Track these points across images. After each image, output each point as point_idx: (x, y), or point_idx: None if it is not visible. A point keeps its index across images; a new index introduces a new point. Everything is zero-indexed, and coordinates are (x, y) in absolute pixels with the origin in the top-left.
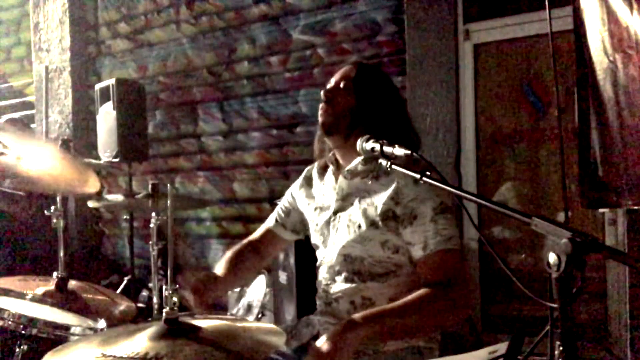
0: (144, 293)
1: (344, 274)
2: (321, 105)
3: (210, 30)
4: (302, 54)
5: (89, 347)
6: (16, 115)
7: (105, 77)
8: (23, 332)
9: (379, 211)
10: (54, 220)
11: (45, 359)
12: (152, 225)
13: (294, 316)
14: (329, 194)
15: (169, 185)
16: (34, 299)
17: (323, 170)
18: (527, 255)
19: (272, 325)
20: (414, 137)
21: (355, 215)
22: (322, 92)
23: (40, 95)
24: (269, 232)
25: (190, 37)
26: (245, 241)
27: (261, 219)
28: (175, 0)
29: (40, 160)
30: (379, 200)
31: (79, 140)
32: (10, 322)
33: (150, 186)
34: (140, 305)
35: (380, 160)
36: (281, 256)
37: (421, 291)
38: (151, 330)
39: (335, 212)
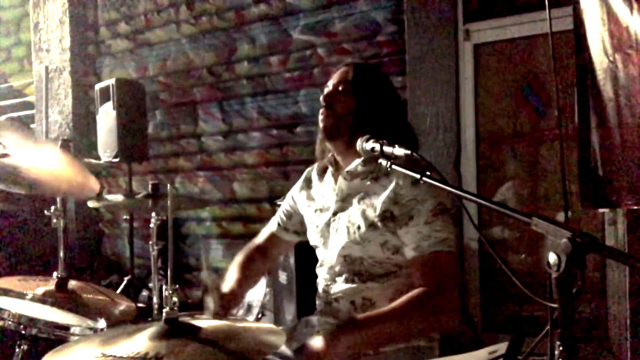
0: (144, 293)
1: (344, 275)
2: (321, 110)
3: (210, 30)
4: (302, 54)
5: (89, 347)
6: (15, 115)
7: (105, 77)
8: (23, 332)
9: (378, 212)
10: (54, 220)
11: (45, 359)
12: (152, 225)
13: (294, 316)
14: (329, 195)
15: (169, 185)
16: (34, 299)
17: (323, 172)
18: (527, 255)
19: (272, 325)
20: (412, 137)
21: (354, 216)
22: (321, 98)
23: (40, 95)
24: (272, 236)
25: (190, 37)
26: (251, 245)
27: (261, 219)
28: (175, 0)
29: (41, 162)
30: (378, 201)
31: (79, 140)
32: (10, 322)
33: (150, 186)
34: (140, 305)
35: (380, 160)
36: (281, 256)
37: (410, 295)
38: (151, 330)
39: (334, 213)
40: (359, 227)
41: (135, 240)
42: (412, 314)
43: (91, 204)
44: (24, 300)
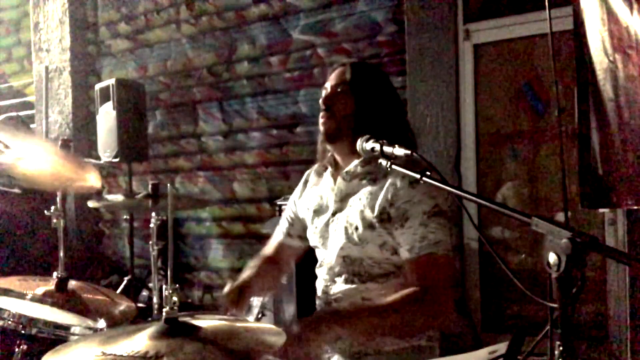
0: (144, 293)
1: (344, 275)
2: (321, 113)
3: (210, 30)
4: (302, 54)
5: (89, 346)
6: (14, 114)
7: (105, 77)
8: (23, 332)
9: (375, 213)
10: (54, 220)
11: (45, 359)
12: (152, 225)
13: (294, 316)
14: (328, 196)
15: (169, 185)
16: (34, 299)
17: (322, 171)
18: (527, 255)
19: (272, 326)
20: (411, 137)
21: (352, 217)
22: (320, 101)
23: (40, 95)
24: (279, 245)
25: (190, 37)
26: (261, 255)
27: (261, 219)
28: (175, 0)
29: (39, 157)
30: (375, 202)
31: (79, 140)
32: (10, 322)
33: (150, 186)
34: (140, 305)
35: (380, 161)
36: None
37: (402, 293)
38: (151, 329)
39: (333, 214)
40: (356, 228)
41: (135, 240)
42: (402, 311)
43: (91, 204)
44: (24, 300)
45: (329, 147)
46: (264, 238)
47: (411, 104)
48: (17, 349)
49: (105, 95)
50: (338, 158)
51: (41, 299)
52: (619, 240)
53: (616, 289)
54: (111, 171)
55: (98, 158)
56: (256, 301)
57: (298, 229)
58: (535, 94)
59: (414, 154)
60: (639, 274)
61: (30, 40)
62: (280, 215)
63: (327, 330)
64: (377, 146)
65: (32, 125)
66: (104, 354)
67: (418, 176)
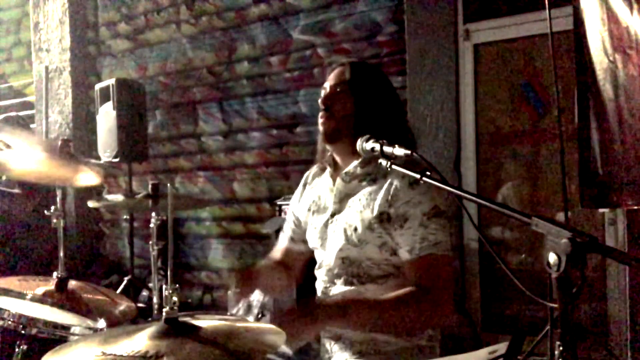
0: (144, 293)
1: (343, 277)
2: (320, 114)
3: (210, 30)
4: (302, 54)
5: (89, 346)
6: (13, 114)
7: (105, 77)
8: (23, 332)
9: (374, 214)
10: (54, 220)
11: (45, 359)
12: (152, 225)
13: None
14: (326, 196)
15: (169, 185)
16: (34, 299)
17: (321, 172)
18: (527, 255)
19: (272, 326)
20: (411, 137)
21: (352, 218)
22: (320, 101)
23: (40, 95)
24: (286, 250)
25: (190, 37)
26: (270, 257)
27: (261, 219)
28: (175, 0)
29: (37, 154)
30: (375, 203)
31: (79, 140)
32: (10, 322)
33: (150, 186)
34: (140, 305)
35: (380, 161)
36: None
37: (402, 291)
38: (151, 329)
39: (332, 215)
40: (355, 229)
41: (135, 240)
42: (401, 309)
43: (91, 204)
44: (24, 300)
45: (328, 147)
46: (264, 238)
47: (411, 104)
48: (17, 349)
49: (105, 95)
50: (337, 158)
51: (41, 299)
52: (619, 240)
53: (616, 289)
54: (111, 171)
55: (98, 158)
56: (256, 301)
57: (301, 233)
58: (535, 94)
59: (414, 154)
60: (639, 274)
61: (30, 40)
62: (280, 215)
63: (323, 318)
64: (377, 146)
65: (32, 125)
66: (104, 354)
67: (418, 176)
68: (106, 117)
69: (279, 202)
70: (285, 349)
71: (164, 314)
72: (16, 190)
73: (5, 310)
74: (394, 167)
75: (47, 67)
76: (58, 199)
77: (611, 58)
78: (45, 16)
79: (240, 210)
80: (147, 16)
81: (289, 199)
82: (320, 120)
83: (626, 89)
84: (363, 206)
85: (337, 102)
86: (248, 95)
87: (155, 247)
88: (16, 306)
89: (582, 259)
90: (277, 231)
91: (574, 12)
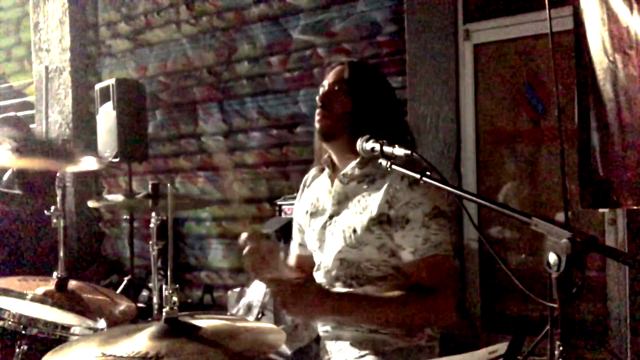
0: (144, 293)
1: (341, 279)
2: (317, 110)
3: (210, 30)
4: (302, 54)
5: (89, 347)
6: (12, 114)
7: (105, 77)
8: (23, 332)
9: (373, 215)
10: (54, 220)
11: (45, 359)
12: (152, 225)
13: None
14: (325, 198)
15: (169, 185)
16: (34, 299)
17: (319, 174)
18: (527, 255)
19: (272, 325)
20: (410, 137)
21: (350, 220)
22: (317, 98)
23: (40, 95)
24: (298, 257)
25: (190, 37)
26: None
27: (261, 219)
28: (175, 0)
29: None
30: (374, 204)
31: (79, 140)
32: (10, 322)
33: (150, 186)
34: (140, 305)
35: (380, 161)
36: (281, 256)
37: (409, 290)
38: (151, 329)
39: (331, 217)
40: (354, 231)
41: (135, 240)
42: (405, 306)
43: (91, 204)
44: (24, 300)
45: (324, 145)
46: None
47: (411, 104)
48: (17, 349)
49: (105, 95)
50: (335, 159)
51: (41, 299)
52: (619, 240)
53: (616, 289)
54: (111, 171)
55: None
56: (256, 301)
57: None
58: (535, 94)
59: (414, 154)
60: (639, 274)
61: (30, 40)
62: (280, 215)
63: (332, 309)
64: (377, 146)
65: (32, 125)
66: (104, 354)
67: (418, 176)
68: (106, 117)
69: (279, 202)
70: (285, 349)
71: (164, 314)
72: (17, 191)
73: (6, 310)
74: (394, 167)
75: (47, 67)
76: (58, 199)
77: (611, 58)
78: (45, 16)
79: (240, 210)
80: (147, 16)
81: (289, 199)
82: (316, 118)
83: (626, 89)
84: (362, 208)
85: (334, 100)
86: (248, 95)
87: (155, 247)
88: (16, 306)
89: (582, 259)
90: (277, 231)
91: (574, 12)
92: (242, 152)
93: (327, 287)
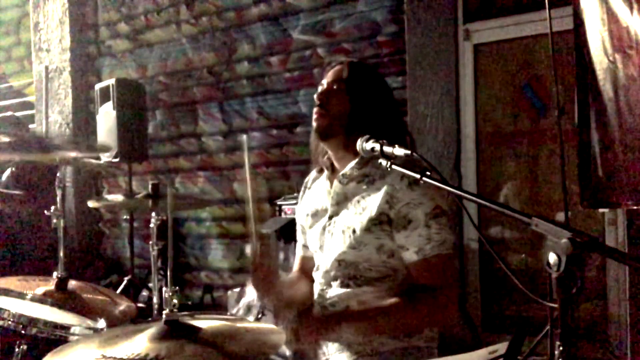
0: (144, 293)
1: (339, 279)
2: (315, 109)
3: (210, 30)
4: (302, 54)
5: (89, 347)
6: (8, 114)
7: (105, 77)
8: (23, 332)
9: (373, 215)
10: (54, 220)
11: (45, 359)
12: (152, 225)
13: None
14: (324, 199)
15: (168, 185)
16: (34, 299)
17: (319, 175)
18: (527, 255)
19: (272, 326)
20: (408, 137)
21: (350, 220)
22: (315, 96)
23: (40, 95)
24: (303, 259)
25: (190, 37)
26: (290, 274)
27: (261, 219)
28: (175, 0)
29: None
30: (373, 205)
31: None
32: (10, 322)
33: (150, 186)
34: (140, 305)
35: (380, 161)
36: (281, 257)
37: (414, 291)
38: (151, 331)
39: (330, 217)
40: (354, 231)
41: (135, 240)
42: (414, 311)
43: (91, 204)
44: (24, 300)
45: (322, 145)
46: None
47: (411, 104)
48: (17, 349)
49: (105, 95)
50: (334, 160)
51: (41, 299)
52: (619, 240)
53: (616, 289)
54: (111, 171)
55: (98, 158)
56: (256, 301)
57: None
58: (535, 94)
59: (414, 153)
60: (639, 274)
61: (30, 40)
62: (280, 215)
63: (334, 330)
64: (377, 146)
65: (32, 125)
66: (104, 356)
67: (417, 176)
68: (106, 117)
69: (279, 202)
70: (285, 349)
71: (163, 315)
72: (17, 192)
73: (5, 310)
74: (393, 167)
75: (47, 67)
76: (58, 199)
77: (611, 58)
78: (45, 16)
79: (240, 210)
80: (147, 16)
81: (289, 199)
82: (314, 117)
83: (626, 89)
84: (362, 208)
85: (332, 99)
86: (248, 95)
87: (155, 247)
88: (16, 306)
89: (582, 259)
90: (277, 231)
91: (574, 12)
92: (242, 152)
93: (325, 287)
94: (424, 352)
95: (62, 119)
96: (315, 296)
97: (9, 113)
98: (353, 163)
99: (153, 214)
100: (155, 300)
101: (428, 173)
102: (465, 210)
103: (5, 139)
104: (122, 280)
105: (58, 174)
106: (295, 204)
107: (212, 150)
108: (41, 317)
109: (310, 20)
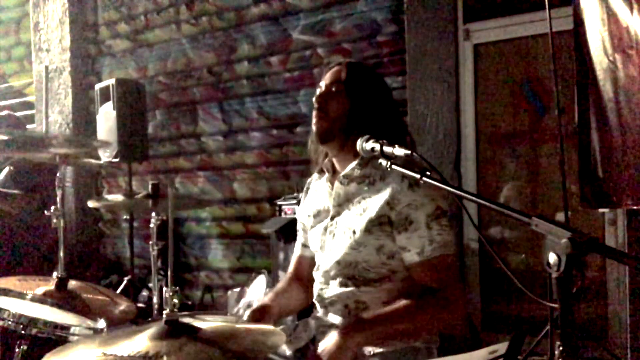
0: (144, 293)
1: (338, 279)
2: (314, 112)
3: (210, 30)
4: (302, 54)
5: (89, 347)
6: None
7: (105, 77)
8: (23, 332)
9: (374, 216)
10: (54, 220)
11: (45, 359)
12: (152, 225)
13: (294, 317)
14: (326, 200)
15: (169, 185)
16: (34, 299)
17: (320, 176)
18: (527, 255)
19: (272, 326)
20: (407, 137)
21: (350, 221)
22: (314, 99)
23: (40, 95)
24: (300, 258)
25: (190, 37)
26: (286, 275)
27: (261, 219)
28: (175, 0)
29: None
30: (374, 206)
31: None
32: (10, 322)
33: (150, 186)
34: (140, 305)
35: (380, 161)
36: (281, 256)
37: (419, 294)
38: (151, 330)
39: (332, 218)
40: (354, 232)
41: (135, 240)
42: (423, 313)
43: (91, 204)
44: (24, 300)
45: (322, 147)
46: (264, 238)
47: (411, 104)
48: (17, 349)
49: (105, 95)
50: (335, 161)
51: (41, 299)
52: (619, 240)
53: (616, 289)
54: (111, 171)
55: (98, 158)
56: (256, 301)
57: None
58: (535, 94)
59: (414, 154)
60: (639, 274)
61: (30, 40)
62: (280, 215)
63: (353, 345)
64: (377, 146)
65: (32, 125)
66: (104, 354)
67: (418, 177)
68: (106, 117)
69: (279, 202)
70: (285, 349)
71: (164, 314)
72: (16, 191)
73: (5, 310)
74: (393, 167)
75: (47, 67)
76: (58, 199)
77: (611, 58)
78: (45, 16)
79: (240, 210)
80: (147, 16)
81: (289, 199)
82: (313, 120)
83: (626, 89)
84: (362, 209)
85: (331, 101)
86: (248, 95)
87: (155, 247)
88: (16, 306)
89: (582, 259)
90: (277, 231)
91: (574, 12)
92: (242, 152)
93: (324, 286)
94: (423, 352)
95: (62, 119)
96: (315, 296)
97: (5, 112)
98: (354, 164)
99: (153, 214)
100: (155, 300)
101: (428, 173)
102: (465, 210)
103: (3, 137)
104: (122, 280)
105: (58, 174)
106: (295, 204)
107: (212, 150)
108: (41, 317)
109: (310, 20)
